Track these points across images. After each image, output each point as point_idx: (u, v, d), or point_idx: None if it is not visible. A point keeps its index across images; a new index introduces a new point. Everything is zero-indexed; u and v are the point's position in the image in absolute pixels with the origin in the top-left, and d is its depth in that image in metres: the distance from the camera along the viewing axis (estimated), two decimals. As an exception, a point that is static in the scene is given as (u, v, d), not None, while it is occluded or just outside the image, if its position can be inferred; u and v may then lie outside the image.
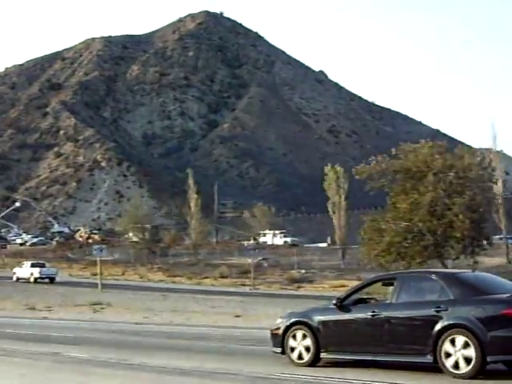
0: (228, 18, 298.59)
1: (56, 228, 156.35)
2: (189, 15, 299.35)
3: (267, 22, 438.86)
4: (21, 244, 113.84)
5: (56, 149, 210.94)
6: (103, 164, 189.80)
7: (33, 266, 61.83)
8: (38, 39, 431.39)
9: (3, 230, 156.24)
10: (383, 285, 14.80)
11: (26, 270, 61.97)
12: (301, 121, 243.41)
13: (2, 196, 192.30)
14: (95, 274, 59.66)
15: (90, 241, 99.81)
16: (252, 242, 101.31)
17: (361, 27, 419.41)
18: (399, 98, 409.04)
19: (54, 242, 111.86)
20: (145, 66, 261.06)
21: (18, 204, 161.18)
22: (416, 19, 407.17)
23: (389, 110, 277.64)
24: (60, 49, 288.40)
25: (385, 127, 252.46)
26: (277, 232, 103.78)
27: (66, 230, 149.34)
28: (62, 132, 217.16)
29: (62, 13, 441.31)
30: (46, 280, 61.34)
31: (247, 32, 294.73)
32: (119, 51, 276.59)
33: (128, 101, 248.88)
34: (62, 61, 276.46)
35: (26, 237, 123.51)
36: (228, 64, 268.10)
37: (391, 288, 13.48)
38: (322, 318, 14.01)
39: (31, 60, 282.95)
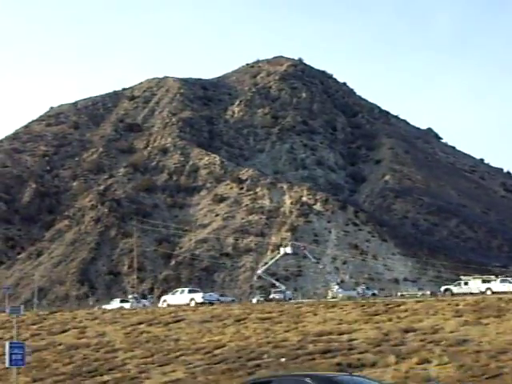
0: (310, 66, 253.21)
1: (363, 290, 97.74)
2: (257, 61, 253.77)
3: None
4: None
5: (204, 192, 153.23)
6: (317, 208, 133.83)
7: (190, 292, 63.59)
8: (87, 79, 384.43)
9: (274, 291, 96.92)
10: None
11: (182, 297, 60.58)
12: (465, 176, 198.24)
13: (163, 253, 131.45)
14: None
15: None
16: None
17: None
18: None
19: None
20: (250, 108, 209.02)
21: (288, 251, 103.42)
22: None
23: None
24: (118, 88, 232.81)
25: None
26: None
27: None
28: (203, 171, 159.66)
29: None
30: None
31: (336, 81, 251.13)
32: (200, 92, 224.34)
33: (241, 145, 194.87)
34: (130, 100, 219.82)
35: None
36: (342, 111, 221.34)
37: None
38: None
39: (87, 99, 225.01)
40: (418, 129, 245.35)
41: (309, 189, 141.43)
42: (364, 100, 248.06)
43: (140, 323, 38.42)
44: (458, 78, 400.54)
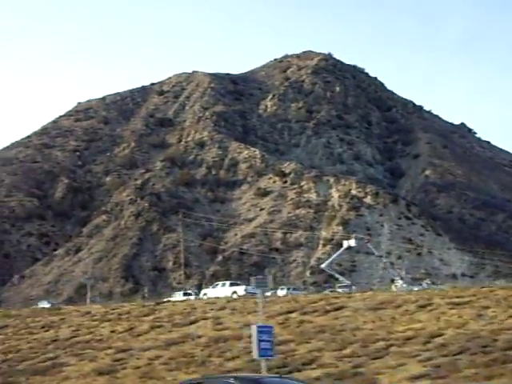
0: (340, 61, 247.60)
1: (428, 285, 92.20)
2: (286, 55, 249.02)
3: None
4: None
5: (245, 186, 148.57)
6: (367, 201, 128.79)
7: (232, 285, 62.08)
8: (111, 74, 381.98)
9: (339, 285, 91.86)
10: None
11: (223, 290, 59.18)
12: (505, 170, 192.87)
13: (209, 247, 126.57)
14: None
15: None
16: None
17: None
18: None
19: None
20: (283, 102, 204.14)
21: (352, 244, 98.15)
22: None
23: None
24: (146, 83, 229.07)
25: None
26: None
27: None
28: (243, 165, 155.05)
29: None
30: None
31: (368, 75, 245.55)
32: (230, 87, 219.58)
33: (276, 140, 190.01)
34: (159, 95, 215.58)
35: None
36: (376, 105, 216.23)
37: None
38: None
39: (115, 94, 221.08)
40: (452, 124, 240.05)
41: (357, 182, 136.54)
42: (396, 95, 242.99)
43: (289, 312, 33.79)
44: (473, 73, 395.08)
